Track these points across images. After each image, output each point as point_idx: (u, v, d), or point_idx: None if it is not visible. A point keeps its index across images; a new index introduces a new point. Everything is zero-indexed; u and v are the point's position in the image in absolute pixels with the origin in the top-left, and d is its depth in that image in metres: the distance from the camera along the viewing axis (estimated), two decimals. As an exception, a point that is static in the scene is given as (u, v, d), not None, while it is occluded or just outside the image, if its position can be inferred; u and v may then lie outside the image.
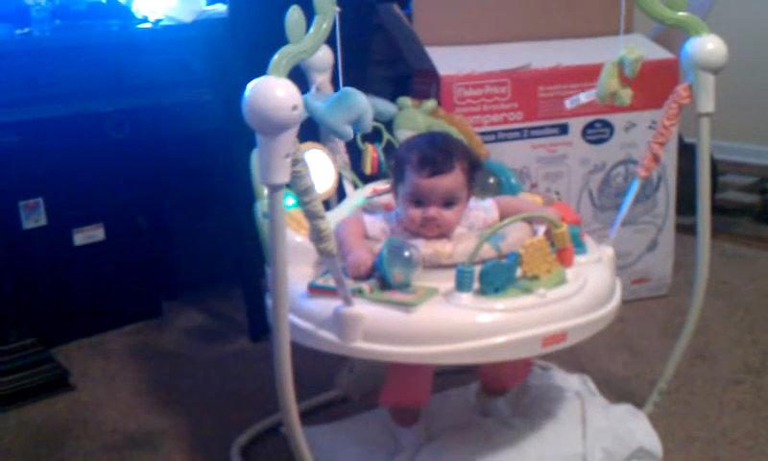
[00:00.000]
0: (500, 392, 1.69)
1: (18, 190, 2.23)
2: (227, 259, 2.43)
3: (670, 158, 2.33)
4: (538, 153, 2.23)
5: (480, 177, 1.64)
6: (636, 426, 1.66)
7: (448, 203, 1.44)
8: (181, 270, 2.65)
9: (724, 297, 2.41)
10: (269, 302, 1.34)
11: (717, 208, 2.91)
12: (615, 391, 1.89)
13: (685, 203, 2.22)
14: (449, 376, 1.82)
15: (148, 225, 2.47)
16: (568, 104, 1.72)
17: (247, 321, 2.32)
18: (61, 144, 2.25)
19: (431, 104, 1.77)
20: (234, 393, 2.00)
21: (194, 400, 1.99)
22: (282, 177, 1.10)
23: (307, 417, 1.75)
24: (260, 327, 2.26)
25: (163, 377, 2.12)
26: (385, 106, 1.73)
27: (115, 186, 2.37)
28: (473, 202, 1.54)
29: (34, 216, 2.25)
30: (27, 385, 2.03)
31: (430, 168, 1.43)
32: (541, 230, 1.46)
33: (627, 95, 1.57)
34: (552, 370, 1.92)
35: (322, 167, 1.68)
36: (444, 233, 1.45)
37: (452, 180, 1.44)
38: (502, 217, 1.50)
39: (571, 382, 1.81)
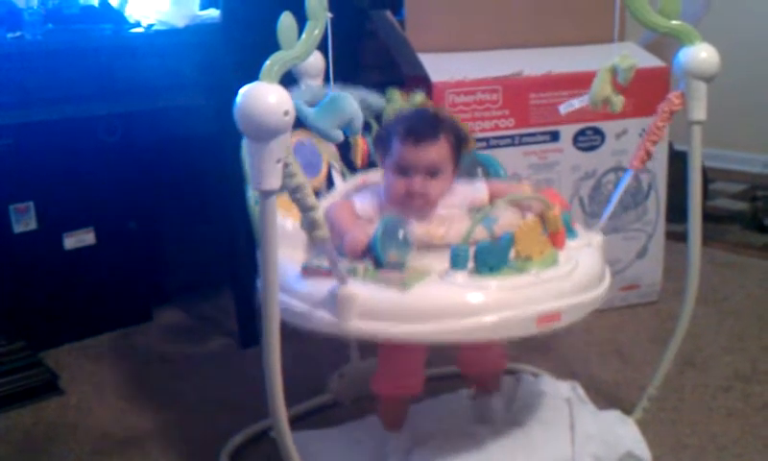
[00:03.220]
0: (482, 387, 1.69)
1: (9, 194, 2.22)
2: (217, 264, 2.43)
3: (660, 166, 2.34)
4: (529, 159, 2.24)
5: (468, 167, 1.66)
6: (624, 432, 1.67)
7: (432, 173, 1.46)
8: (172, 274, 2.64)
9: (714, 304, 2.42)
10: (260, 285, 1.33)
11: (707, 216, 2.92)
12: (605, 397, 1.89)
13: (675, 210, 2.23)
14: (440, 381, 1.82)
15: (139, 229, 2.46)
16: (562, 109, 1.73)
17: (237, 326, 2.32)
18: (53, 148, 2.24)
19: (420, 97, 1.77)
20: (224, 398, 2.00)
21: (183, 404, 1.99)
22: (274, 182, 1.10)
23: (298, 422, 1.75)
24: (250, 332, 2.26)
25: (153, 382, 2.12)
26: (374, 98, 1.74)
27: (106, 191, 2.36)
28: (465, 181, 1.56)
29: (24, 220, 2.24)
30: (16, 389, 2.02)
31: (415, 137, 1.45)
32: (530, 216, 1.46)
33: (619, 101, 1.57)
34: (542, 376, 1.92)
35: (310, 157, 1.69)
36: (428, 204, 1.47)
37: (437, 150, 1.46)
38: (492, 200, 1.51)
39: (561, 389, 1.82)
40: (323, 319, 1.30)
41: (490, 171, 1.69)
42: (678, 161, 2.24)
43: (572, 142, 2.26)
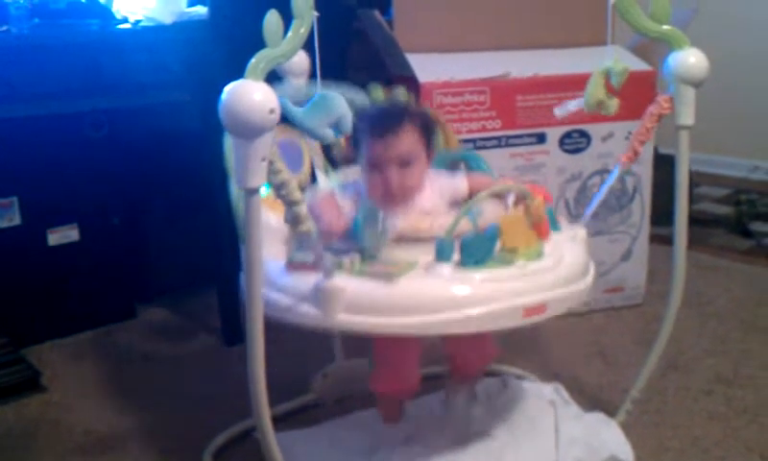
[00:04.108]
0: (466, 379, 1.69)
1: (-7, 188, 2.21)
2: (202, 262, 2.42)
3: (645, 169, 2.35)
4: (515, 161, 2.24)
5: (452, 164, 1.67)
6: (608, 435, 1.67)
7: (405, 163, 1.46)
8: (156, 272, 2.63)
9: (697, 307, 2.43)
10: (243, 280, 1.33)
11: (692, 219, 2.92)
12: (589, 399, 1.89)
13: (660, 213, 2.24)
14: (427, 381, 1.82)
15: (123, 226, 2.45)
16: (558, 112, 1.73)
17: (221, 324, 2.31)
18: (38, 143, 2.23)
19: (402, 91, 1.77)
20: (207, 397, 1.99)
21: (167, 403, 1.98)
22: (258, 180, 1.10)
23: (280, 421, 1.75)
24: (234, 330, 2.25)
25: (136, 380, 2.11)
26: (360, 97, 1.74)
27: (91, 187, 2.35)
28: (445, 174, 1.57)
29: (8, 215, 2.23)
30: (-2, 385, 2.01)
31: (381, 128, 1.46)
32: (511, 205, 1.47)
33: (613, 104, 1.58)
34: (526, 379, 1.93)
35: (293, 153, 1.68)
36: (407, 196, 1.47)
37: (405, 138, 1.47)
38: (472, 193, 1.52)
39: (545, 391, 1.82)
40: (308, 313, 1.29)
41: (472, 165, 1.69)
42: (663, 165, 2.25)
43: (558, 144, 2.27)
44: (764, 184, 3.79)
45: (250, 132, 1.06)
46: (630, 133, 2.24)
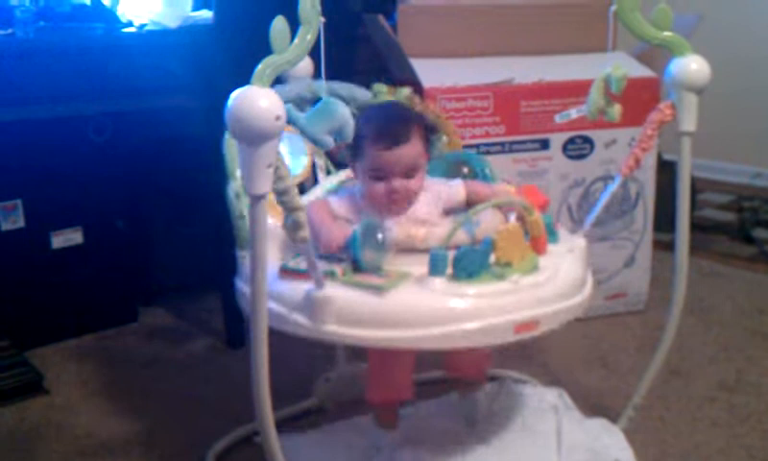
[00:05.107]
0: (468, 385, 1.69)
1: (-3, 191, 2.21)
2: (205, 265, 2.42)
3: (649, 175, 2.35)
4: (519, 167, 2.24)
5: (454, 166, 1.66)
6: (611, 441, 1.67)
7: (410, 172, 1.45)
8: (159, 275, 2.64)
9: (700, 314, 2.43)
10: (240, 286, 1.32)
11: (694, 226, 2.92)
12: (591, 405, 1.89)
13: (663, 219, 2.24)
14: (429, 386, 1.82)
15: (126, 229, 2.46)
16: (558, 118, 1.73)
17: (224, 328, 2.31)
18: (42, 146, 2.23)
19: (406, 91, 1.75)
20: (210, 400, 1.99)
21: (169, 406, 1.98)
22: (264, 187, 1.09)
23: (283, 425, 1.75)
24: (237, 334, 2.25)
25: (138, 383, 2.11)
26: (361, 93, 1.73)
27: (95, 190, 2.35)
28: (441, 180, 1.56)
29: (11, 218, 2.23)
30: (0, 388, 2.01)
31: (389, 140, 1.43)
32: (513, 218, 1.45)
33: (616, 111, 1.57)
34: (528, 383, 1.93)
35: (295, 151, 1.68)
36: (409, 201, 1.46)
37: (411, 149, 1.45)
38: (469, 201, 1.51)
39: (547, 396, 1.82)
40: (299, 322, 1.28)
41: (475, 169, 1.68)
42: (666, 171, 2.26)
43: (562, 150, 2.27)
44: (767, 191, 3.79)
45: (256, 138, 1.06)
46: (633, 139, 2.25)
